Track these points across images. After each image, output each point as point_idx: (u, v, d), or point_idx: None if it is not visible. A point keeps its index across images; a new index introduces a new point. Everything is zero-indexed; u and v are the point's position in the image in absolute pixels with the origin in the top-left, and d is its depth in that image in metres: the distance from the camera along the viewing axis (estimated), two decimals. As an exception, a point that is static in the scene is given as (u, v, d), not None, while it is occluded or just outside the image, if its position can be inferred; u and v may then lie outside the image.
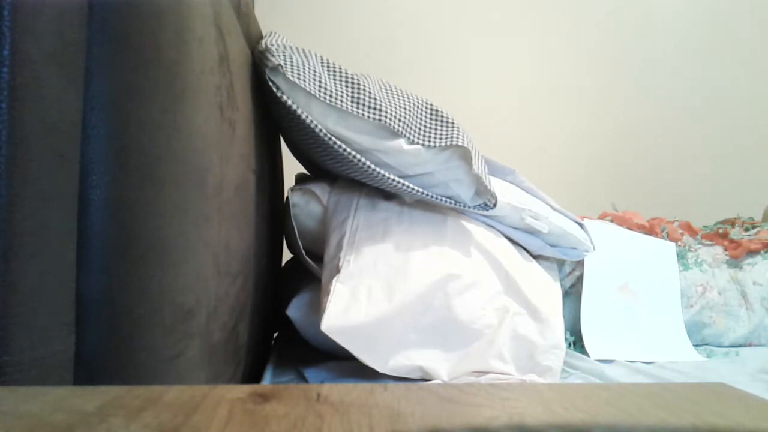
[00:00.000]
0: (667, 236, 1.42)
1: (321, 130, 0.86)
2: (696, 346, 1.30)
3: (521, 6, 2.09)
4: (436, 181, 0.93)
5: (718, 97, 2.05)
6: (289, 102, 0.85)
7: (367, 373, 0.85)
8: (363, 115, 0.86)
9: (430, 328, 0.89)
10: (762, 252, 1.41)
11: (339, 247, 0.91)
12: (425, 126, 0.91)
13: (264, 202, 0.96)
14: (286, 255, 1.26)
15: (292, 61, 0.88)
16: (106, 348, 0.38)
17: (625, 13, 2.09)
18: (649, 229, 1.43)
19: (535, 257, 1.16)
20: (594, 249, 1.16)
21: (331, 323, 0.80)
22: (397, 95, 0.92)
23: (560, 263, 1.23)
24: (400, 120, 0.88)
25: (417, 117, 0.91)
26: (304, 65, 0.89)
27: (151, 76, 0.44)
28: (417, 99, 0.94)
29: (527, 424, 0.26)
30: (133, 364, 0.42)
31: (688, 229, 1.47)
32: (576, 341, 1.19)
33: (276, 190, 1.18)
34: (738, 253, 1.41)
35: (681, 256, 1.37)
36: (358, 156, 0.87)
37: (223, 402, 0.27)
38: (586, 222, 1.26)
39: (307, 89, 0.86)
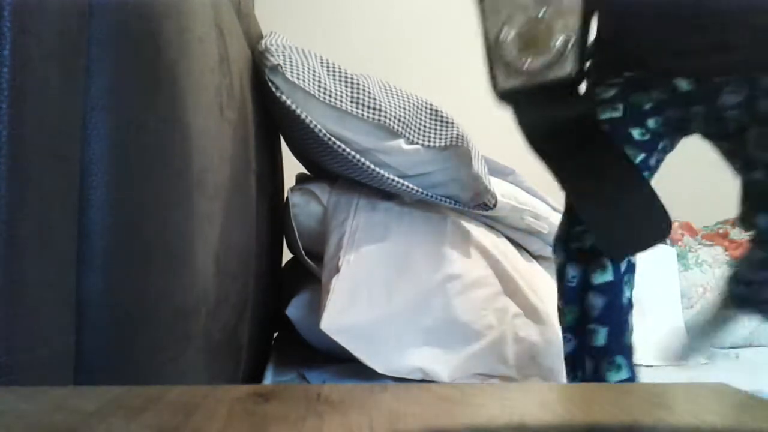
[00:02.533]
0: (667, 236, 1.42)
1: (320, 131, 0.86)
2: (696, 346, 1.29)
3: (521, 6, 2.08)
4: (435, 180, 0.93)
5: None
6: (289, 102, 0.85)
7: (368, 375, 0.85)
8: (362, 115, 0.86)
9: (430, 329, 0.89)
10: (762, 252, 1.41)
11: (339, 247, 0.91)
12: (425, 126, 0.91)
13: (264, 202, 0.96)
14: (286, 255, 1.26)
15: (291, 62, 0.88)
16: (106, 348, 0.38)
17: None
18: (649, 230, 1.43)
19: (535, 257, 1.16)
20: (594, 249, 1.16)
21: (330, 322, 0.80)
22: (397, 95, 0.92)
23: (560, 263, 1.23)
24: (399, 120, 0.88)
25: (417, 117, 0.91)
26: (303, 65, 0.89)
27: (152, 76, 0.44)
28: (417, 99, 0.94)
29: (527, 424, 0.26)
30: (133, 364, 0.42)
31: (688, 229, 1.46)
32: (576, 341, 1.19)
33: (276, 190, 1.18)
34: (738, 254, 1.40)
35: (681, 257, 1.37)
36: (358, 156, 0.87)
37: (223, 402, 0.27)
38: (586, 222, 1.26)
39: (307, 89, 0.86)
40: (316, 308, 0.96)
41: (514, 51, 0.57)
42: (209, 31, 0.60)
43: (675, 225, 1.46)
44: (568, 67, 0.56)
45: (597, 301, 0.68)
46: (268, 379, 0.89)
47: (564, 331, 0.73)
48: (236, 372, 0.76)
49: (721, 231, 1.47)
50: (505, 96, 0.60)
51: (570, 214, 0.75)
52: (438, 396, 0.29)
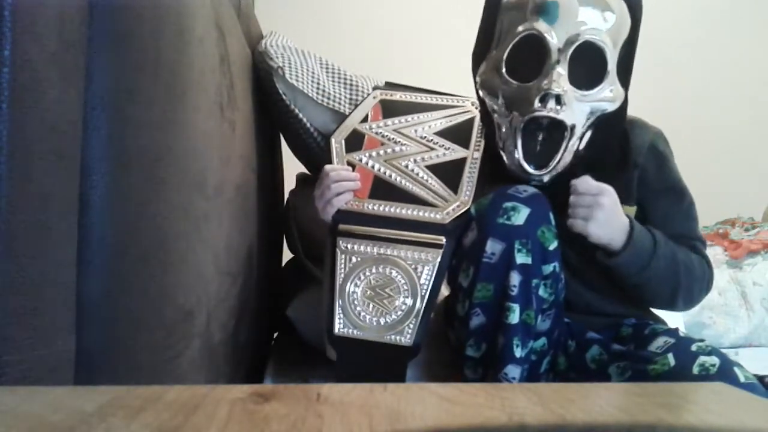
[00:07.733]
0: (667, 236, 1.42)
1: (316, 132, 0.86)
2: (696, 346, 1.29)
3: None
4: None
5: (718, 97, 2.05)
6: (287, 102, 0.86)
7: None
8: (363, 115, 0.86)
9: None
10: (762, 252, 1.41)
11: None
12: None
13: (264, 202, 0.96)
14: (287, 255, 1.26)
15: (290, 63, 0.88)
16: (106, 348, 0.38)
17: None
18: (649, 230, 1.43)
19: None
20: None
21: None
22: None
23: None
24: (400, 120, 0.88)
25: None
26: (302, 67, 0.89)
27: (152, 76, 0.44)
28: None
29: (527, 424, 0.26)
30: (133, 364, 0.42)
31: (688, 229, 1.46)
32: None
33: (276, 190, 1.18)
34: (738, 254, 1.40)
35: (681, 257, 1.37)
36: (358, 156, 0.87)
37: (223, 402, 0.27)
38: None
39: (306, 91, 0.86)
40: (317, 309, 0.96)
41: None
42: (209, 31, 0.60)
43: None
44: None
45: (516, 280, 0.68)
46: (268, 380, 0.89)
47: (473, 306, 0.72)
48: (236, 372, 0.76)
49: (721, 231, 1.47)
50: None
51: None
52: (438, 396, 0.29)
